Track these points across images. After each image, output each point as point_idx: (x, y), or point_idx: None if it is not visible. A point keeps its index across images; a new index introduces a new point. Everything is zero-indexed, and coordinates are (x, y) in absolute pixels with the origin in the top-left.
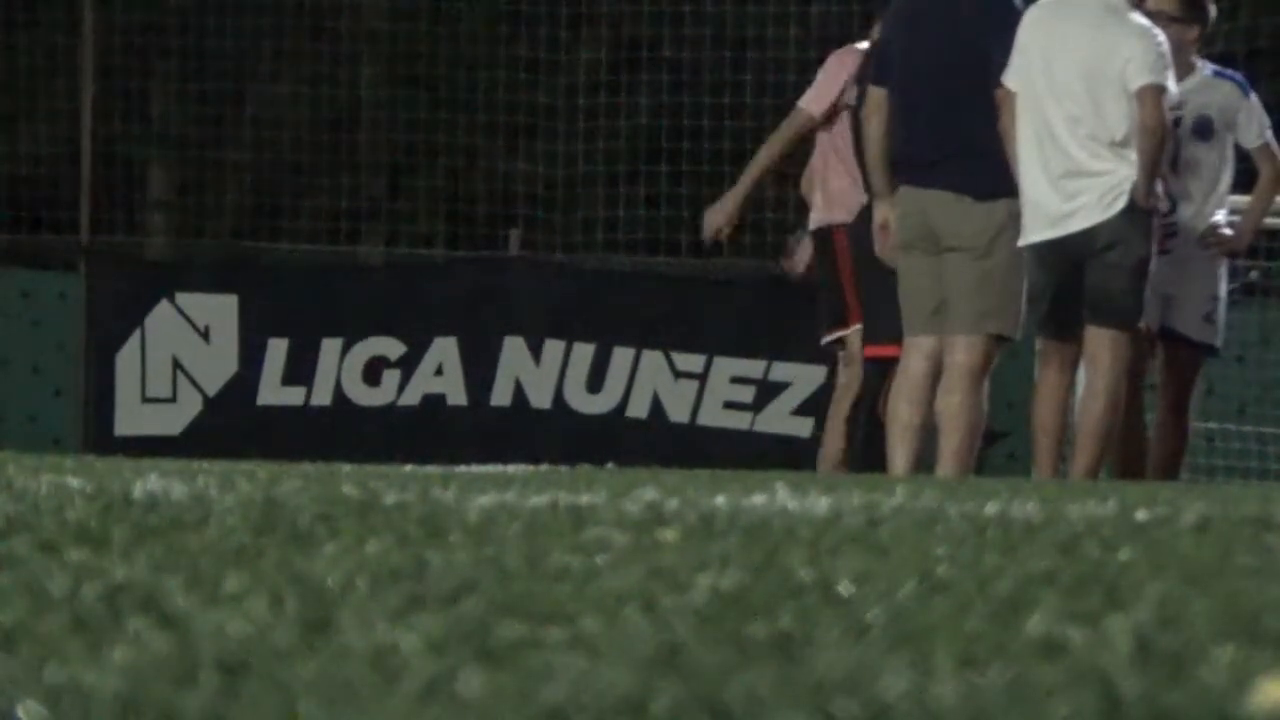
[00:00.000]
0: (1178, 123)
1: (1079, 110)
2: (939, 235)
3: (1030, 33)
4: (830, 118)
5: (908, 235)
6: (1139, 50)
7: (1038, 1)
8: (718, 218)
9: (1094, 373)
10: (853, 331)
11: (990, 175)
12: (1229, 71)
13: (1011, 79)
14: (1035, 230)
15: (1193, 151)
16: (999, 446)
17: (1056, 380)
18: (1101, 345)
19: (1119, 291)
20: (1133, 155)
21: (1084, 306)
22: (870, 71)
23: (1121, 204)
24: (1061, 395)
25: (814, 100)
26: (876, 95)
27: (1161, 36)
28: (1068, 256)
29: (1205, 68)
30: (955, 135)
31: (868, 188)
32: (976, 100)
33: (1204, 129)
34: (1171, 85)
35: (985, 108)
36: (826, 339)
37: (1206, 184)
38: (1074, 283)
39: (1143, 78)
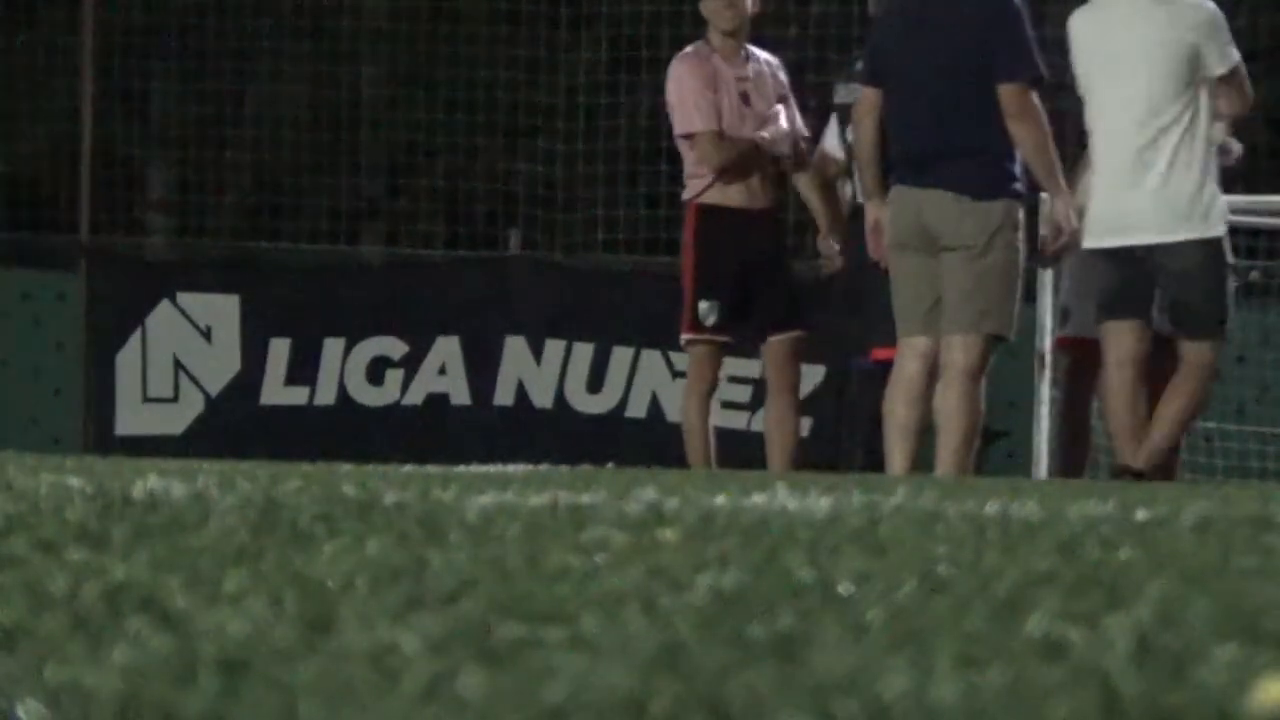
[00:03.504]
0: None
1: (1140, 96)
2: (935, 235)
3: (1086, 35)
4: None
5: (901, 235)
6: (1207, 31)
7: (1086, 4)
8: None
9: (1186, 373)
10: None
11: (988, 175)
12: None
13: (1067, 78)
14: (1099, 236)
15: None
16: (999, 446)
17: (1131, 364)
18: (1194, 354)
19: (1198, 301)
20: (1198, 159)
21: (1162, 312)
22: (864, 71)
23: (1186, 228)
24: (1139, 381)
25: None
26: (870, 95)
27: (1217, 13)
28: (1134, 255)
29: None
30: (953, 135)
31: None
32: (975, 100)
33: None
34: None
35: (984, 108)
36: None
37: None
38: (1140, 271)
39: (1225, 64)
